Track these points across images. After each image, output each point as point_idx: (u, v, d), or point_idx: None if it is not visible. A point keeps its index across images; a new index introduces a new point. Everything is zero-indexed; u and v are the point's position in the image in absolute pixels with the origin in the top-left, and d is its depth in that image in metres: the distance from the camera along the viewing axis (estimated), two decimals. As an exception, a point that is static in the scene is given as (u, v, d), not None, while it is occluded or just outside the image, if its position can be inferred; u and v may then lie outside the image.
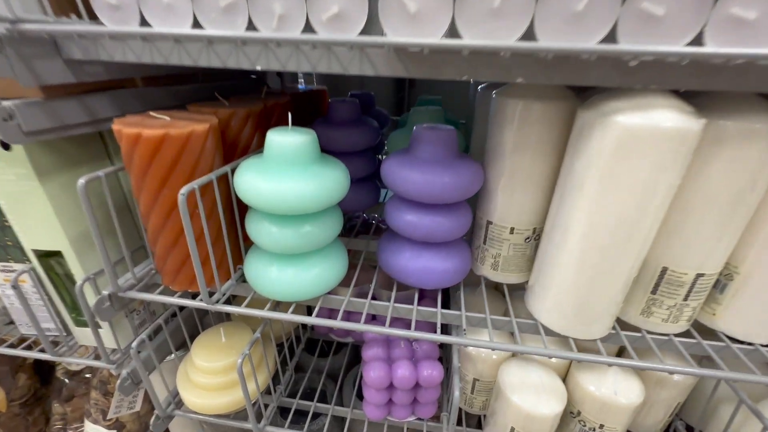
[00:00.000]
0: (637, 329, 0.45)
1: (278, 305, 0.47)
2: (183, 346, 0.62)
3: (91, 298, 0.44)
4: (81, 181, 0.37)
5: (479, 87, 0.55)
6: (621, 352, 0.55)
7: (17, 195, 0.42)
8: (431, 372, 0.52)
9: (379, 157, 0.72)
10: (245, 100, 0.51)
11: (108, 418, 0.68)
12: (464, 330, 0.44)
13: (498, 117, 0.43)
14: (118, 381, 0.51)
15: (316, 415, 0.71)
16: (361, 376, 0.57)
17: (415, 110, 0.63)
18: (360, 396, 0.62)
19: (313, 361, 0.79)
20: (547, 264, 0.42)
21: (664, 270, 0.40)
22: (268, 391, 0.60)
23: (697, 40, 0.26)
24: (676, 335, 0.43)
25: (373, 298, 0.48)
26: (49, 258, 0.48)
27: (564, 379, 0.51)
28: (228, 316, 0.71)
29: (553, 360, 0.51)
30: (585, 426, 0.49)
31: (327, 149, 0.44)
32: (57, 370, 0.76)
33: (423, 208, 0.44)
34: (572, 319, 0.42)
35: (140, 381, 0.53)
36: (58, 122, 0.38)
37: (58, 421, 0.75)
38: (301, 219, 0.40)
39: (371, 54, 0.32)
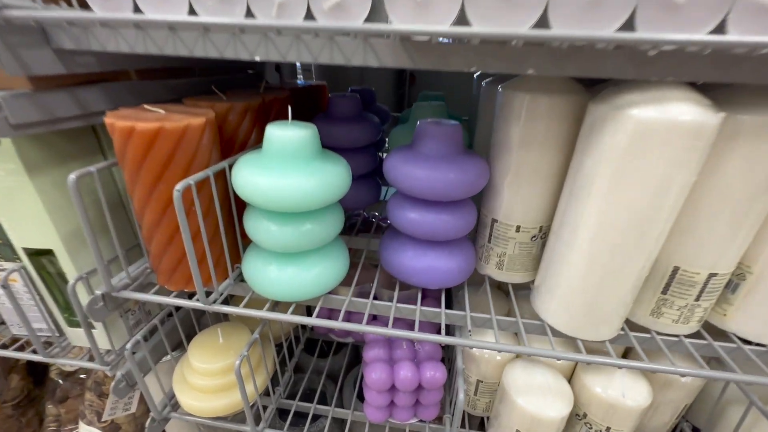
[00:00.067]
0: (645, 330, 0.44)
1: (277, 305, 0.46)
2: (179, 347, 0.61)
3: (84, 298, 0.43)
4: (72, 176, 0.35)
5: (483, 82, 0.54)
6: (626, 353, 0.54)
7: (6, 191, 0.41)
8: (434, 373, 0.51)
9: (380, 154, 0.71)
10: (243, 94, 0.50)
11: (103, 420, 0.67)
12: (469, 331, 0.42)
13: (504, 111, 0.42)
14: (113, 383, 0.50)
15: (316, 417, 0.70)
16: (362, 377, 0.56)
17: (418, 105, 0.62)
18: (361, 397, 0.61)
19: (312, 361, 0.77)
20: (555, 263, 0.41)
21: (676, 269, 0.39)
22: (266, 393, 0.59)
23: (719, 29, 0.25)
24: (686, 336, 0.42)
25: (374, 298, 0.47)
26: (40, 256, 0.46)
27: (569, 381, 0.50)
28: (226, 316, 0.69)
29: (559, 361, 0.50)
30: (591, 428, 0.48)
31: (327, 145, 0.43)
32: (51, 371, 0.75)
33: (427, 205, 0.43)
34: (580, 319, 0.41)
35: (135, 383, 0.51)
36: (47, 115, 0.37)
37: (51, 423, 0.74)
38: (301, 216, 0.39)
39: (375, 44, 0.31)
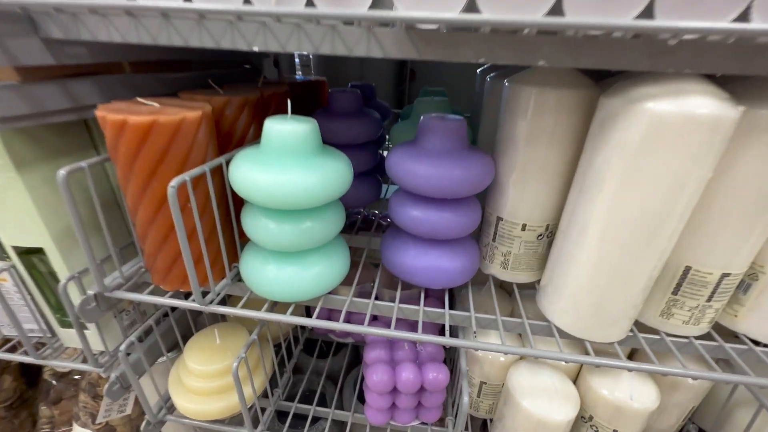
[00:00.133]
0: (652, 330, 0.43)
1: (276, 306, 0.45)
2: (175, 348, 0.59)
3: (77, 298, 0.42)
4: (61, 172, 0.34)
5: (488, 77, 0.53)
6: (632, 354, 0.53)
7: (-6, 187, 0.39)
8: (437, 375, 0.50)
9: (381, 151, 0.70)
10: (241, 88, 0.48)
11: (97, 422, 0.66)
12: (474, 333, 0.41)
13: (511, 106, 0.40)
14: (106, 385, 0.48)
15: (316, 419, 0.68)
16: (362, 378, 0.55)
17: (420, 101, 0.61)
18: (361, 399, 0.60)
19: (312, 362, 0.76)
20: (563, 262, 0.40)
21: (687, 269, 0.38)
22: (265, 395, 0.58)
23: (743, 17, 0.24)
24: (696, 338, 0.41)
25: (375, 298, 0.45)
26: (31, 255, 0.44)
27: (574, 382, 0.49)
28: (223, 317, 0.68)
29: (566, 363, 0.49)
30: (597, 431, 0.47)
31: (327, 142, 0.42)
32: (44, 372, 0.73)
33: (430, 203, 0.42)
34: (588, 320, 0.40)
35: (130, 385, 0.50)
36: (36, 108, 0.35)
37: (45, 425, 0.73)
38: (301, 214, 0.38)
39: (379, 34, 0.30)
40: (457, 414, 0.52)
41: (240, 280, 0.44)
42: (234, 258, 0.45)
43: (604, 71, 0.49)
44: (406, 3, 0.26)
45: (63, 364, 0.50)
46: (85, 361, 0.49)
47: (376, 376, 0.50)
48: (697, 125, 0.28)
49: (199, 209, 0.36)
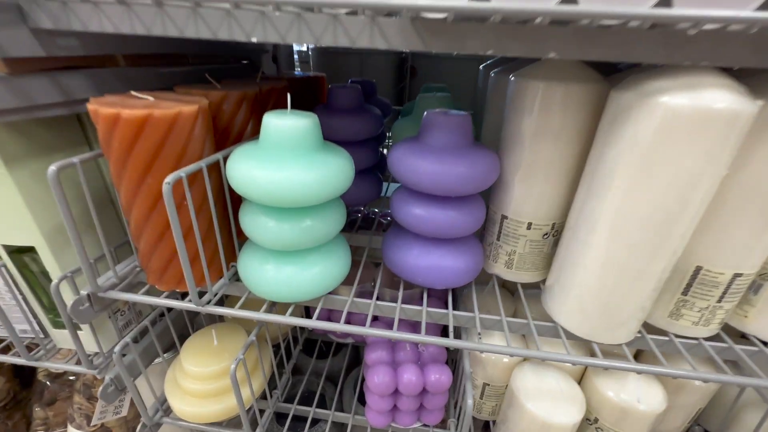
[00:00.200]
0: (660, 332, 0.42)
1: (275, 306, 0.43)
2: (172, 348, 0.58)
3: (70, 298, 0.40)
4: (52, 168, 0.32)
5: (492, 72, 0.51)
6: (637, 354, 0.52)
7: (-18, 184, 0.38)
8: (439, 377, 0.49)
9: (382, 149, 0.68)
10: (239, 83, 0.47)
11: (92, 424, 0.64)
12: (479, 334, 0.40)
13: (516, 102, 0.39)
14: (101, 388, 0.47)
15: (315, 421, 0.67)
16: (363, 379, 0.54)
17: (422, 97, 0.59)
18: (361, 400, 0.59)
19: (311, 362, 0.75)
20: (570, 262, 0.39)
21: (698, 269, 0.37)
22: (263, 396, 0.57)
23: (765, 6, 0.22)
24: (705, 339, 0.40)
25: (376, 298, 0.44)
26: (22, 254, 0.43)
27: (579, 383, 0.48)
28: (221, 317, 0.67)
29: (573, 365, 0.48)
30: (603, 434, 0.46)
31: (327, 138, 0.41)
32: (38, 373, 0.72)
33: (433, 201, 0.41)
34: (596, 321, 0.39)
35: (125, 387, 0.49)
36: (26, 101, 0.34)
37: (39, 426, 0.71)
38: (301, 212, 0.36)
39: (383, 24, 0.28)
40: (459, 416, 0.51)
41: (238, 279, 0.43)
42: (232, 257, 0.44)
43: (611, 66, 0.48)
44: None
45: (56, 366, 0.49)
46: (79, 362, 0.48)
47: (377, 378, 0.49)
48: (714, 120, 0.27)
49: (196, 207, 0.35)
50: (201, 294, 0.39)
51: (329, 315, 0.62)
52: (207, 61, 0.60)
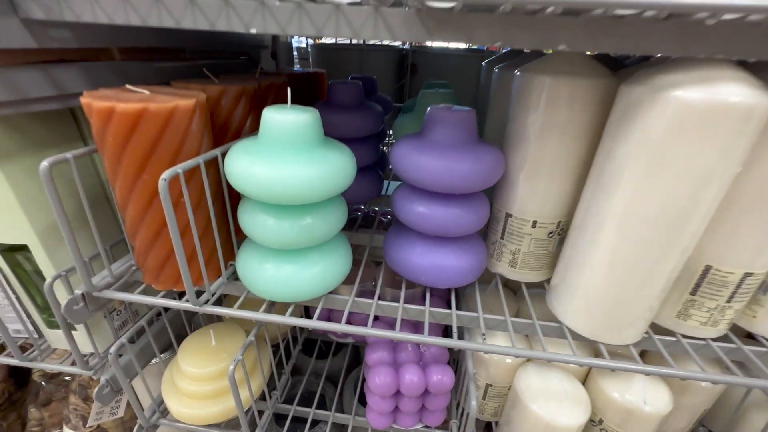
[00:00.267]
0: (667, 332, 0.41)
1: (274, 306, 0.42)
2: (169, 349, 0.57)
3: (64, 298, 0.39)
4: (44, 163, 0.31)
5: (496, 68, 0.50)
6: (643, 355, 0.51)
7: (-27, 180, 0.37)
8: (441, 378, 0.48)
9: (382, 147, 0.68)
10: (237, 78, 0.46)
11: (88, 425, 0.63)
12: (483, 335, 0.39)
13: (522, 97, 0.38)
14: (96, 389, 0.46)
15: (315, 422, 0.67)
16: (363, 380, 0.53)
17: (424, 93, 0.59)
18: (362, 401, 0.58)
19: (311, 363, 0.74)
20: (576, 261, 0.38)
21: (707, 269, 0.36)
22: (262, 397, 0.56)
23: (785, -5, 0.22)
24: (713, 339, 0.40)
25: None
26: (15, 253, 0.42)
27: (583, 384, 0.48)
28: (219, 317, 0.66)
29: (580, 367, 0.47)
30: (607, 436, 0.46)
31: (327, 135, 0.40)
32: (34, 373, 0.71)
33: (437, 198, 0.40)
34: (602, 322, 0.38)
35: (121, 388, 0.48)
36: (17, 94, 0.33)
37: (35, 427, 0.70)
38: (301, 210, 0.35)
39: (388, 15, 0.27)
40: (462, 417, 0.50)
41: (236, 279, 0.42)
42: (230, 256, 0.43)
43: (618, 62, 0.47)
44: (418, -21, 0.24)
45: (50, 367, 0.48)
46: (74, 363, 0.47)
47: (378, 379, 0.48)
48: (728, 115, 0.26)
49: (193, 204, 0.34)
50: (199, 293, 0.38)
51: (330, 315, 0.61)
52: (205, 56, 0.59)
